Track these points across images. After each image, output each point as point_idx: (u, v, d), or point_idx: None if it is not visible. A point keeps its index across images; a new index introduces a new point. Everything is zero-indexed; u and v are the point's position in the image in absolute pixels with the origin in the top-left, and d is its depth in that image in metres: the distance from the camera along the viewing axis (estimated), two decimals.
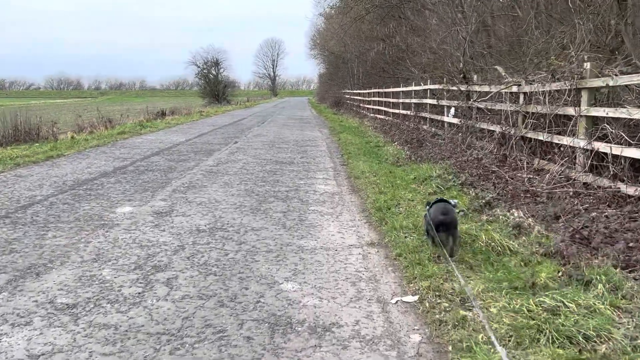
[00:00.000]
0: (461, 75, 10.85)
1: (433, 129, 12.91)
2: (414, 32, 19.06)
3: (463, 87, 10.63)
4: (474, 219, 5.42)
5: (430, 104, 13.76)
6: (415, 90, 15.90)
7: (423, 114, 14.44)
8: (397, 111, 18.50)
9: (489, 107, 9.18)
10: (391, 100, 19.96)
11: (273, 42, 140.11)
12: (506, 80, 8.95)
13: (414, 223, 5.10)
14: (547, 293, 3.32)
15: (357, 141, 13.85)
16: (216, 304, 3.39)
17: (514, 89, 8.45)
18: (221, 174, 8.61)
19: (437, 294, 3.46)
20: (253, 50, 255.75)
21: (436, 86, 13.00)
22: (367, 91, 27.02)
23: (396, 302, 3.45)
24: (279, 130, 18.41)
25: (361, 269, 4.08)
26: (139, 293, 3.55)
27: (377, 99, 23.56)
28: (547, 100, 7.21)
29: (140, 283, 3.74)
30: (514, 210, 5.67)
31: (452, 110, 11.24)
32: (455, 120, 11.04)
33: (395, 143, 13.45)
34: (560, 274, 3.71)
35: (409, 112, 16.08)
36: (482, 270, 3.90)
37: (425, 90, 14.47)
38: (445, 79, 12.26)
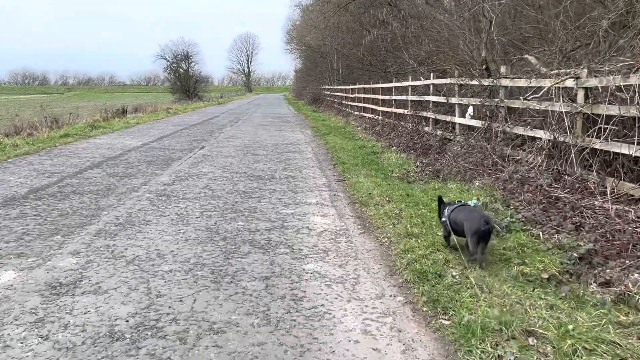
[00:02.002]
0: (483, 67, 8.71)
1: (440, 132, 10.77)
2: (405, 21, 16.92)
3: (486, 82, 8.49)
4: (587, 298, 3.23)
5: (434, 101, 11.62)
6: (412, 86, 13.74)
7: (424, 114, 12.29)
8: (388, 109, 16.34)
9: (531, 107, 7.05)
10: (380, 97, 17.79)
11: (247, 36, 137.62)
12: (556, 71, 6.84)
13: (504, 320, 2.86)
14: None
15: (349, 146, 11.63)
16: None
17: (569, 83, 6.34)
18: (175, 198, 6.26)
19: None
20: (227, 45, 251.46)
21: (444, 81, 10.85)
22: (351, 87, 24.82)
23: None
24: (254, 132, 16.06)
25: None
26: None
27: (363, 95, 21.36)
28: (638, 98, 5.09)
29: None
30: (637, 275, 3.53)
31: (471, 109, 9.10)
32: (475, 123, 8.91)
33: (394, 148, 11.31)
34: None
35: (405, 111, 13.91)
36: None
37: (427, 85, 12.33)
38: (456, 72, 10.13)
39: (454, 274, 3.60)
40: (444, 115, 10.98)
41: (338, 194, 6.73)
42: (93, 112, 24.29)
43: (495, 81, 8.20)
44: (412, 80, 13.91)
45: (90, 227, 4.93)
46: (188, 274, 3.73)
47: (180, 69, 49.22)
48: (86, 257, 4.07)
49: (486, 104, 8.37)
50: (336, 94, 30.74)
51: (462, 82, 9.55)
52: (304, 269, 3.88)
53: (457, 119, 9.95)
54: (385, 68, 19.19)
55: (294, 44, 59.72)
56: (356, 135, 14.56)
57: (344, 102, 27.11)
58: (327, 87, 36.35)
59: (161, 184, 7.09)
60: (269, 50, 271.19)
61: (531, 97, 6.48)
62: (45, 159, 9.38)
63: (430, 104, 11.92)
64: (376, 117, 17.71)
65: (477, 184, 6.41)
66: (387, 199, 6.06)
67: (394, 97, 15.65)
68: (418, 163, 8.66)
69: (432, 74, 12.02)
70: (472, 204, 4.24)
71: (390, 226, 4.93)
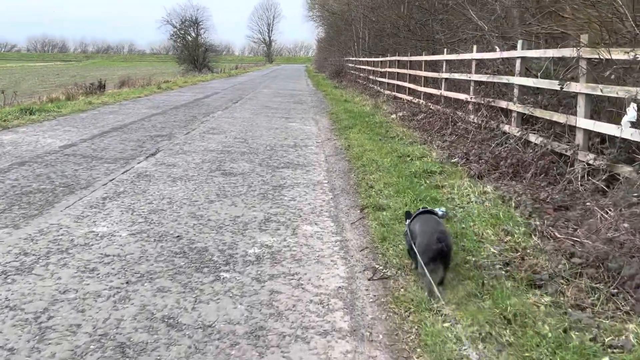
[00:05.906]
0: None
1: (539, 140, 6.34)
2: None
3: None
4: None
5: (524, 86, 7.16)
6: (478, 60, 9.23)
7: (502, 104, 7.85)
8: (435, 92, 11.85)
9: None
10: (423, 74, 13.25)
11: (269, 3, 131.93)
12: None
13: None
14: None
15: (384, 155, 7.26)
16: None
17: None
18: None
19: None
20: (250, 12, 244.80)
21: (557, 52, 6.34)
22: (381, 59, 20.20)
23: None
24: (251, 120, 11.76)
25: None
26: None
27: (397, 70, 16.78)
28: None
29: None
30: None
31: (634, 109, 4.65)
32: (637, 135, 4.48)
33: (458, 160, 7.01)
34: None
35: (467, 97, 9.41)
36: None
37: (510, 59, 7.85)
38: (584, 37, 5.64)
39: None
40: (545, 111, 6.52)
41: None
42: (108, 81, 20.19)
43: None
44: (477, 52, 9.38)
45: None
46: None
47: (188, 37, 44.48)
48: None
49: None
50: (362, 67, 26.10)
51: (603, 56, 5.05)
52: None
53: (583, 122, 5.50)
54: (428, 35, 14.57)
55: (316, 10, 54.85)
56: (391, 129, 10.17)
57: (371, 77, 22.52)
58: (351, 58, 31.65)
59: None
60: (291, 19, 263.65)
61: None
62: None
63: (515, 90, 7.45)
64: (417, 101, 13.20)
65: None
66: None
67: (444, 75, 11.10)
68: (536, 222, 4.28)
69: (520, 42, 7.49)
70: (440, 212, 3.64)
71: None
